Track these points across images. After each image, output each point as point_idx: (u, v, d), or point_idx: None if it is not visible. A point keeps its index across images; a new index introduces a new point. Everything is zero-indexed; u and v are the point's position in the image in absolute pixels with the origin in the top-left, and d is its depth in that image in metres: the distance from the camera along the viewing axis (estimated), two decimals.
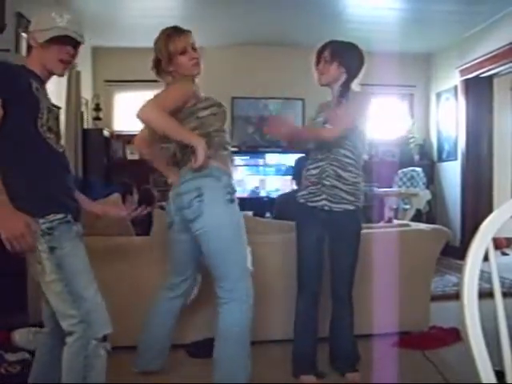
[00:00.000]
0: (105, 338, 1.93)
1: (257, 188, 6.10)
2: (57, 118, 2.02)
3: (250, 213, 5.04)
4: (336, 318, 2.66)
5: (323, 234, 2.57)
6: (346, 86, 2.54)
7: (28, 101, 1.83)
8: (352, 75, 2.55)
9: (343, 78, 2.53)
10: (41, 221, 1.79)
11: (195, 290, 2.64)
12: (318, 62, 2.57)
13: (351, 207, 2.52)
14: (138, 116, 2.24)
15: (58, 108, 1.99)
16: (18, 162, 1.82)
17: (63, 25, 1.90)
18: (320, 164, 2.52)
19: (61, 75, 1.98)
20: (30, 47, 1.95)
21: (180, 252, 2.48)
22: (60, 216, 1.84)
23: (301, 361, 2.61)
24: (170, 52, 2.37)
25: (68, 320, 1.85)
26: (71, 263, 1.86)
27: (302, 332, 2.61)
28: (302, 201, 2.57)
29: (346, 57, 2.53)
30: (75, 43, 1.95)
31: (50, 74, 1.97)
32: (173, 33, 2.41)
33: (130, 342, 2.66)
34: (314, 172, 2.53)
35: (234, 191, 2.31)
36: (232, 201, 2.26)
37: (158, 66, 2.45)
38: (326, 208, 2.51)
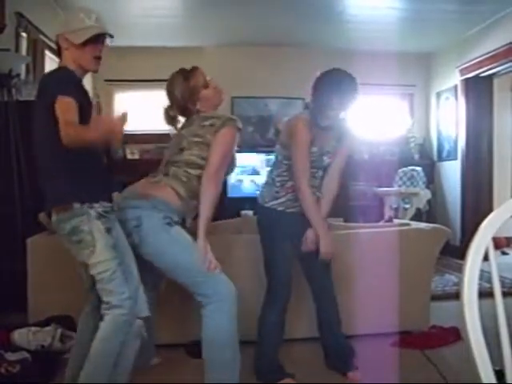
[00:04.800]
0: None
1: (257, 188, 6.09)
2: None
3: (250, 212, 5.04)
4: (324, 318, 2.68)
5: (294, 240, 2.58)
6: None
7: (86, 103, 2.04)
8: None
9: None
10: (96, 205, 2.00)
11: (162, 285, 2.65)
12: (326, 110, 2.47)
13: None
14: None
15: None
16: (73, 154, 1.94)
17: (93, 24, 2.07)
18: None
19: (96, 71, 2.17)
20: (60, 50, 2.11)
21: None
22: (110, 205, 2.07)
23: (276, 368, 2.60)
24: (192, 88, 2.42)
25: (117, 296, 1.99)
26: (124, 245, 2.07)
27: (274, 342, 2.60)
28: (280, 208, 2.56)
29: (352, 98, 2.52)
30: (103, 39, 2.12)
31: (85, 71, 2.14)
32: (187, 72, 2.47)
33: None
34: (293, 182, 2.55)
35: (172, 221, 2.27)
36: (169, 225, 2.24)
37: (183, 112, 2.48)
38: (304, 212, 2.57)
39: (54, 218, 2.03)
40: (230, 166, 2.46)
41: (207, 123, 2.36)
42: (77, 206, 1.97)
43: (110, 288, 2.00)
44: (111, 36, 2.13)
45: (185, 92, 2.43)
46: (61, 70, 2.10)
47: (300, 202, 2.50)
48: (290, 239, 2.56)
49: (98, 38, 2.08)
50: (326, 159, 2.59)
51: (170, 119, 2.51)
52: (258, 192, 2.72)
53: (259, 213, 2.65)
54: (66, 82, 1.98)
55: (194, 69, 2.49)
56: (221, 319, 2.26)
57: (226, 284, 2.28)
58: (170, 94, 2.48)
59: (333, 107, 2.42)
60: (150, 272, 2.52)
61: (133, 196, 2.31)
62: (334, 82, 2.42)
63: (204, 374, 2.30)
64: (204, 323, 2.29)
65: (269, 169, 2.74)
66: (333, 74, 2.45)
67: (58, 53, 2.13)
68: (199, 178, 2.32)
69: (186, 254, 2.26)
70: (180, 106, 2.46)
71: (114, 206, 2.11)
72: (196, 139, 2.36)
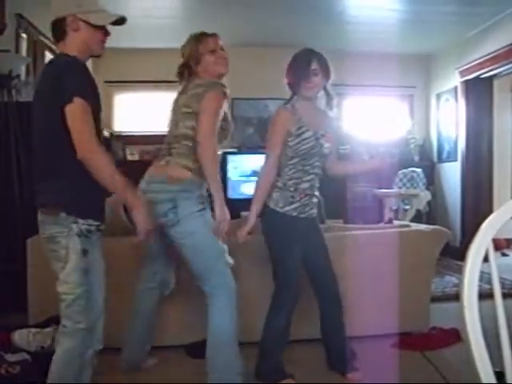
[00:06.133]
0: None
1: None
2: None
3: None
4: (329, 319, 2.67)
5: (302, 245, 2.59)
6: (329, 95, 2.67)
7: (95, 101, 1.89)
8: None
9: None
10: (81, 221, 1.85)
11: (172, 283, 2.71)
12: (307, 75, 2.51)
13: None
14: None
15: None
16: (76, 162, 1.81)
17: (104, 8, 1.98)
18: (311, 177, 2.58)
19: (101, 55, 2.03)
20: (62, 32, 1.93)
21: (147, 247, 2.60)
22: (97, 223, 1.91)
23: (277, 369, 2.59)
24: (199, 52, 2.51)
25: (73, 324, 1.86)
26: (96, 271, 1.92)
27: (280, 345, 2.60)
28: (294, 214, 2.53)
29: (328, 66, 2.58)
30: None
31: (91, 56, 2.00)
32: (202, 35, 2.56)
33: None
34: (306, 185, 2.55)
35: (205, 200, 2.41)
36: (204, 209, 2.39)
37: (183, 70, 2.57)
38: (310, 216, 2.60)
39: (39, 217, 1.93)
40: (225, 130, 2.50)
41: (194, 92, 2.42)
42: (62, 215, 1.84)
43: (68, 313, 1.88)
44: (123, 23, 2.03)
45: (192, 51, 2.52)
46: (74, 61, 1.88)
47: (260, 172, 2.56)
48: (301, 244, 2.56)
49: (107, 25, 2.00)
50: (324, 143, 2.57)
51: (179, 75, 2.60)
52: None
53: (271, 218, 2.55)
54: (83, 77, 1.84)
55: (211, 34, 2.58)
56: (228, 311, 2.36)
57: (232, 279, 2.42)
58: (181, 51, 2.58)
59: (313, 70, 2.50)
60: (166, 272, 2.66)
61: (158, 180, 2.40)
62: (309, 50, 2.56)
63: (207, 374, 2.34)
64: (210, 317, 2.37)
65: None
66: (305, 48, 2.59)
67: (58, 36, 1.95)
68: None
69: (211, 241, 2.38)
70: (184, 63, 2.56)
71: (101, 225, 1.95)
72: (185, 110, 2.43)
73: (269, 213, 2.55)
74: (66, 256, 1.84)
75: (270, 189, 2.53)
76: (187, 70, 2.56)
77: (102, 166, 1.82)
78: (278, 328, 2.56)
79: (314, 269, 2.65)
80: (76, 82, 1.80)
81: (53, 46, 4.82)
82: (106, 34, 2.00)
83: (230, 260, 2.46)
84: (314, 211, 2.63)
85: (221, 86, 2.41)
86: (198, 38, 2.55)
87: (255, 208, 2.52)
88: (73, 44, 1.92)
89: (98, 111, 1.91)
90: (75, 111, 1.77)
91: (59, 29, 1.94)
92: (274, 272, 2.57)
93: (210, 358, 2.36)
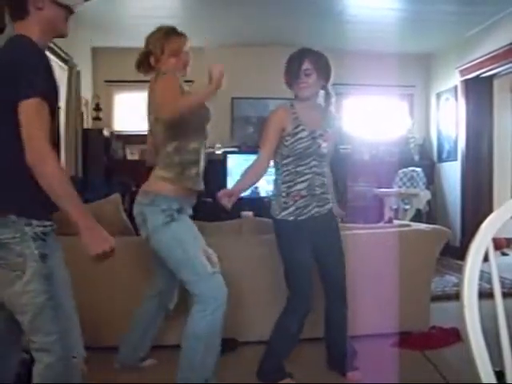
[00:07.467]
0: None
1: (256, 188, 6.09)
2: None
3: (250, 213, 5.05)
4: (334, 318, 2.66)
5: (310, 245, 2.57)
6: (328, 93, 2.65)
7: (52, 96, 1.66)
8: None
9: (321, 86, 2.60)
10: (35, 223, 1.61)
11: (175, 297, 2.69)
12: (298, 76, 2.51)
13: (330, 205, 2.65)
14: (171, 114, 2.23)
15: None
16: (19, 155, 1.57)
17: None
18: (307, 177, 2.55)
19: (66, 36, 1.77)
20: (26, 11, 1.66)
21: (151, 254, 2.58)
22: (51, 222, 1.68)
23: (278, 368, 2.59)
24: (163, 51, 2.43)
25: (45, 336, 1.62)
26: (59, 275, 1.69)
27: (288, 349, 2.60)
28: (291, 218, 2.52)
29: (325, 66, 2.56)
30: None
31: (54, 37, 1.77)
32: (170, 33, 2.47)
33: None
34: (300, 186, 2.53)
35: (174, 212, 2.31)
36: (172, 220, 2.30)
37: (143, 60, 2.54)
38: (317, 214, 2.57)
39: None
40: (205, 114, 2.46)
41: (150, 89, 2.43)
42: (12, 217, 1.58)
43: (36, 325, 1.62)
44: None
45: (156, 46, 2.47)
46: (29, 47, 1.61)
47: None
48: (308, 244, 2.54)
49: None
50: (321, 143, 2.54)
51: (138, 64, 2.63)
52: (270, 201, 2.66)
53: (274, 226, 2.59)
54: (45, 71, 1.60)
55: (179, 35, 2.50)
56: (199, 321, 2.29)
57: (214, 288, 2.31)
58: (146, 40, 2.55)
59: (305, 70, 2.49)
60: (166, 283, 2.63)
61: (140, 191, 2.42)
62: (302, 50, 2.54)
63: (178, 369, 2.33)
64: (189, 320, 2.32)
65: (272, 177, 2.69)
66: (300, 48, 2.57)
67: (18, 14, 1.67)
68: (176, 149, 2.35)
69: (181, 250, 2.31)
70: (145, 52, 2.55)
71: (53, 224, 1.69)
72: (151, 116, 2.42)
73: (272, 222, 2.58)
74: (23, 263, 1.59)
75: (255, 181, 2.59)
76: (146, 62, 2.51)
77: (53, 174, 1.57)
78: (289, 331, 2.55)
79: (323, 267, 2.62)
80: (38, 77, 1.56)
81: (52, 45, 4.81)
82: (71, 12, 1.75)
83: (212, 268, 2.33)
84: (321, 209, 2.58)
85: (167, 72, 2.36)
86: (166, 36, 2.45)
87: (238, 187, 2.51)
88: (35, 24, 1.67)
89: (55, 109, 1.71)
90: (29, 110, 1.54)
91: (20, 7, 1.67)
92: (285, 277, 2.56)
93: (180, 361, 2.32)
